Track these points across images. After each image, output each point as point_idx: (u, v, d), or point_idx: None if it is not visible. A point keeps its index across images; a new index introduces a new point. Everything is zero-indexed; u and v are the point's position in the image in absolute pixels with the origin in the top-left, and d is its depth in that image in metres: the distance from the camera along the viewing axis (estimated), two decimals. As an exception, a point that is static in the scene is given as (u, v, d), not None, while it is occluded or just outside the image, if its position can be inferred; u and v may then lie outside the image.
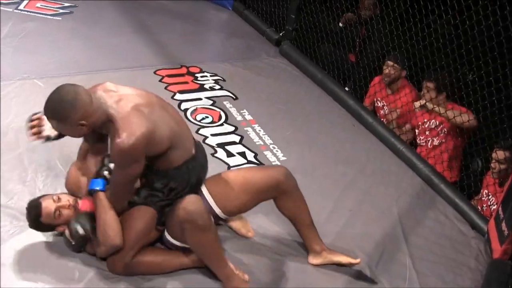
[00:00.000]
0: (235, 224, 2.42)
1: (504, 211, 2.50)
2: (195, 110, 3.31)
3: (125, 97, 2.00)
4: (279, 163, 2.94)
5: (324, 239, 2.42)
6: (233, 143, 3.07)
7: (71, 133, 2.02)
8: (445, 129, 3.22)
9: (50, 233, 2.22)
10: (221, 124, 3.22)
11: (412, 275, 2.37)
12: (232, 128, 3.20)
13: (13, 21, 3.91)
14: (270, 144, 3.12)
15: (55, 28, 3.97)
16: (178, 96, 3.40)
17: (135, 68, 3.53)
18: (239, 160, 2.93)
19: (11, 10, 4.07)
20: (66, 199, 2.13)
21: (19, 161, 2.62)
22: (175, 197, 2.11)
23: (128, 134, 1.90)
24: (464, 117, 3.04)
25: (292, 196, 2.26)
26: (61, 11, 4.22)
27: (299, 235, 2.34)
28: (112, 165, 2.11)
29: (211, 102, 3.42)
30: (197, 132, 3.08)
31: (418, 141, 3.39)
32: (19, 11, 4.09)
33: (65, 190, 2.26)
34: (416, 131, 3.40)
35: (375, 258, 2.41)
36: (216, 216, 2.18)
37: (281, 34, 4.25)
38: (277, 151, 3.06)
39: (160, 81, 3.53)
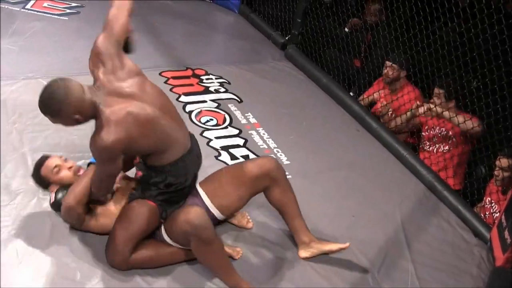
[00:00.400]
0: (234, 219, 2.45)
1: (507, 219, 2.50)
2: (199, 112, 3.31)
3: (125, 97, 1.97)
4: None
5: (326, 244, 2.44)
6: (237, 146, 3.07)
7: (66, 124, 2.03)
8: (452, 137, 3.21)
9: (50, 232, 2.23)
10: (226, 127, 3.22)
11: (414, 281, 2.37)
12: (237, 131, 3.20)
13: (19, 20, 3.93)
14: (274, 147, 3.12)
15: (61, 28, 3.98)
16: (183, 98, 3.41)
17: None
18: (242, 163, 2.93)
19: (18, 9, 4.09)
20: (72, 163, 2.23)
21: (22, 161, 2.62)
22: (175, 189, 2.12)
23: (105, 135, 1.91)
24: (468, 124, 3.03)
25: (281, 185, 2.29)
26: (68, 11, 4.23)
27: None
28: None
29: (216, 104, 3.43)
30: (201, 134, 3.08)
31: (423, 146, 3.38)
32: (26, 10, 4.10)
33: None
34: (423, 134, 3.39)
35: (378, 263, 2.41)
36: (213, 218, 2.20)
37: (287, 38, 4.25)
38: (281, 155, 3.06)
39: (165, 82, 3.54)
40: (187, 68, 3.77)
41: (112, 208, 2.22)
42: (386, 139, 3.31)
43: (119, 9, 2.12)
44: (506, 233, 2.46)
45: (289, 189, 2.33)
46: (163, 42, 4.04)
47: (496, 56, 2.83)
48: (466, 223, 2.78)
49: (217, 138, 3.10)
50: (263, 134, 3.23)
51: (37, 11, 4.13)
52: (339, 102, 3.65)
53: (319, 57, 4.03)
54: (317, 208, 2.66)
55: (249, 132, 3.22)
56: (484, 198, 2.96)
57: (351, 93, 3.85)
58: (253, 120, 3.34)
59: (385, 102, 3.56)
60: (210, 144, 3.03)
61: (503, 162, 2.80)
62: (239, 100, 3.51)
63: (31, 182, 2.49)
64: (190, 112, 3.28)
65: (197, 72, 3.76)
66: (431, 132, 3.32)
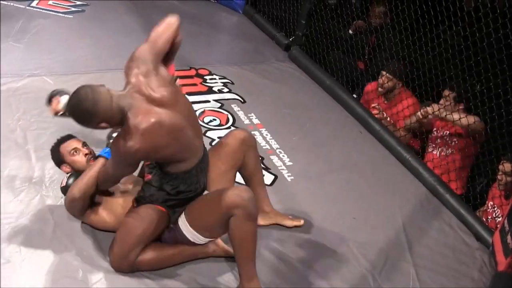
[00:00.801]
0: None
1: (509, 223, 2.50)
2: (203, 112, 3.32)
3: (153, 105, 1.96)
4: (285, 168, 2.94)
5: (327, 245, 2.45)
6: (240, 146, 3.07)
7: (93, 129, 2.07)
8: (456, 140, 3.21)
9: (53, 230, 2.25)
10: (229, 127, 3.23)
11: (415, 284, 2.36)
12: (239, 132, 3.20)
13: (25, 17, 3.94)
14: (277, 148, 3.12)
15: (66, 26, 4.00)
16: (186, 98, 3.42)
17: (144, 69, 3.53)
18: (245, 163, 2.93)
19: (23, 6, 4.10)
20: (89, 151, 2.30)
21: (26, 157, 2.63)
22: (185, 197, 2.13)
23: (130, 142, 1.91)
24: (470, 119, 3.02)
25: (254, 153, 2.38)
26: (73, 9, 4.25)
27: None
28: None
29: (219, 104, 3.43)
30: (204, 134, 3.08)
31: (428, 148, 3.37)
32: (32, 8, 4.12)
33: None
34: (430, 135, 3.38)
35: (379, 266, 2.41)
36: None
37: (290, 39, 4.26)
38: (283, 156, 3.06)
39: (169, 82, 3.54)
40: (190, 68, 3.78)
41: (115, 204, 2.23)
42: (389, 141, 3.31)
43: (165, 27, 2.15)
44: (509, 238, 2.46)
45: (258, 158, 2.42)
46: (167, 41, 4.05)
47: (501, 60, 2.83)
48: (468, 227, 2.77)
49: (220, 138, 3.10)
50: (266, 135, 3.23)
51: (42, 9, 4.15)
52: (342, 104, 3.65)
53: (323, 59, 4.03)
54: (319, 210, 2.66)
55: (252, 132, 3.22)
56: (487, 202, 2.95)
57: (355, 95, 3.85)
58: (256, 121, 3.34)
59: (377, 106, 3.52)
60: (213, 144, 3.03)
61: (507, 166, 2.79)
62: (242, 101, 3.52)
63: (35, 180, 2.51)
64: (193, 112, 3.29)
65: (201, 72, 3.76)
66: (437, 134, 3.32)
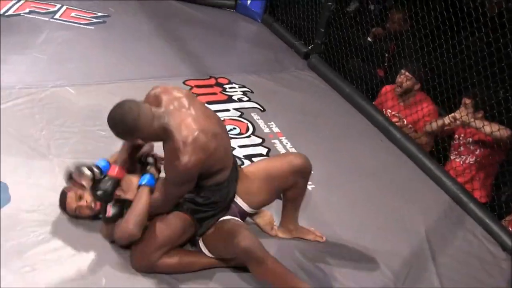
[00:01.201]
0: (261, 221, 2.46)
1: (536, 233, 2.44)
2: (223, 121, 3.32)
3: (192, 117, 2.04)
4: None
5: (349, 255, 2.43)
6: (260, 155, 3.07)
7: (127, 141, 2.15)
8: (481, 148, 3.16)
9: (77, 239, 2.27)
10: (249, 136, 3.23)
11: (440, 295, 2.33)
12: (260, 140, 3.20)
13: (48, 29, 4.02)
14: (297, 157, 3.11)
15: (87, 37, 4.06)
16: (206, 107, 3.43)
17: (164, 78, 3.56)
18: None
19: (47, 19, 4.18)
20: (84, 200, 2.26)
21: (50, 167, 2.66)
22: (215, 207, 2.17)
23: (185, 158, 1.97)
24: (494, 126, 2.97)
25: (304, 182, 2.33)
26: (94, 20, 4.31)
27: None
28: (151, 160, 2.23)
29: (239, 113, 3.44)
30: (224, 143, 3.09)
31: (451, 156, 3.32)
32: (55, 20, 4.20)
33: None
34: (452, 142, 3.33)
35: (402, 276, 2.37)
36: (243, 212, 2.25)
37: (309, 48, 4.25)
38: (303, 164, 3.05)
39: (189, 91, 3.56)
40: (210, 77, 3.80)
41: None
42: (411, 150, 3.27)
43: None
44: (536, 248, 2.40)
45: (306, 184, 2.37)
46: (187, 51, 4.08)
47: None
48: (494, 236, 2.72)
49: (240, 147, 3.11)
50: (286, 143, 3.22)
51: (65, 21, 4.22)
52: (362, 112, 3.63)
53: (342, 67, 4.02)
54: (340, 219, 2.64)
55: (272, 141, 3.22)
56: (513, 211, 2.90)
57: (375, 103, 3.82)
58: (276, 129, 3.34)
59: (398, 114, 3.48)
60: (233, 153, 3.03)
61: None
62: (262, 109, 3.52)
63: (58, 189, 2.54)
64: (213, 121, 3.30)
65: (220, 80, 3.78)
66: (459, 141, 3.27)
